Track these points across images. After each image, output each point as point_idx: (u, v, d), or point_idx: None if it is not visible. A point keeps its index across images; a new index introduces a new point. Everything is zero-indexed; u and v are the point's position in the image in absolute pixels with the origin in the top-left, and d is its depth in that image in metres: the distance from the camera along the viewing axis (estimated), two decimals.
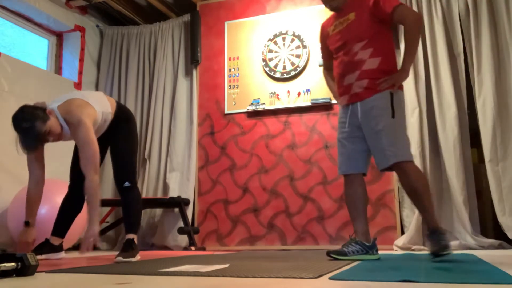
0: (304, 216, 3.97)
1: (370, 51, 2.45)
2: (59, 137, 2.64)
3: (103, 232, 4.32)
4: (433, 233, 2.32)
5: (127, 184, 2.82)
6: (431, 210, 2.39)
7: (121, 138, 2.87)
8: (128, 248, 2.70)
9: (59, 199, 3.53)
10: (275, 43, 4.30)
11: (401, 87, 2.51)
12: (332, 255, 2.38)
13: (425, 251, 3.34)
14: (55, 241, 2.86)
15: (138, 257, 2.71)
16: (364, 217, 2.52)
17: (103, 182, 4.67)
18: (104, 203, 4.44)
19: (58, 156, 4.30)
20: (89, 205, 2.57)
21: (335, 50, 2.59)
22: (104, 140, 2.88)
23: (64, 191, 3.66)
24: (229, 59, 4.46)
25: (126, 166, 2.88)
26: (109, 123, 2.83)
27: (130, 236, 2.78)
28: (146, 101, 4.75)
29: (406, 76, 2.46)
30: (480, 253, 2.83)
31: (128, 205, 2.84)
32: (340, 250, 2.40)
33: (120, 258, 2.58)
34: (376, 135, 2.39)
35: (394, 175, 3.76)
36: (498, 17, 3.64)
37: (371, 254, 2.42)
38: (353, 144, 2.50)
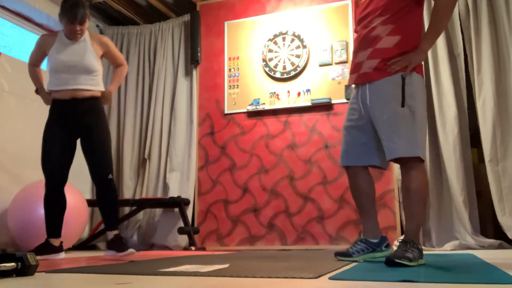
0: (304, 216, 3.97)
1: (391, 28, 2.13)
2: (82, 32, 2.88)
3: (103, 232, 4.31)
4: (405, 242, 2.05)
5: (110, 176, 2.82)
6: (418, 221, 2.13)
7: (99, 128, 2.88)
8: (123, 244, 2.75)
9: None
10: (275, 43, 4.30)
11: (419, 71, 2.17)
12: (338, 257, 2.30)
13: (425, 251, 3.34)
14: (54, 242, 2.86)
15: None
16: (369, 213, 2.32)
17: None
18: None
19: None
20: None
21: (358, 22, 2.30)
22: (75, 134, 2.91)
23: (65, 190, 3.66)
24: (229, 59, 4.46)
25: (109, 158, 2.88)
26: (86, 110, 2.88)
27: (117, 232, 2.82)
28: (146, 101, 4.75)
29: (422, 57, 2.12)
30: (480, 253, 2.83)
31: (114, 199, 2.85)
32: (345, 251, 2.31)
33: (121, 253, 2.66)
34: (382, 124, 2.14)
35: (394, 175, 3.76)
36: (498, 17, 3.64)
37: (379, 251, 2.26)
38: (354, 134, 2.28)
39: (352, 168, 2.33)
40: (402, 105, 2.11)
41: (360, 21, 2.27)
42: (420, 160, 2.14)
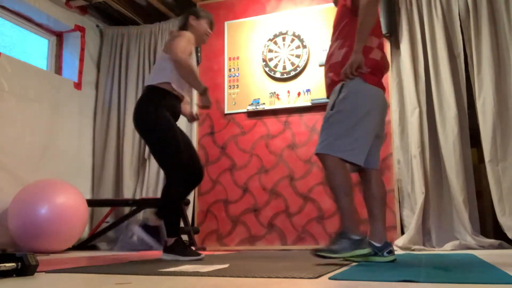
0: (304, 216, 3.97)
1: (339, 43, 2.33)
2: None
3: (103, 232, 4.32)
4: (336, 234, 2.17)
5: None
6: (346, 213, 2.17)
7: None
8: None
9: (59, 199, 3.55)
10: (275, 43, 4.30)
11: (369, 80, 2.25)
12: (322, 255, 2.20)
13: (425, 251, 3.35)
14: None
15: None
16: (371, 216, 2.33)
17: (103, 182, 4.67)
18: (104, 203, 4.46)
19: (58, 156, 4.31)
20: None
21: None
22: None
23: (64, 191, 3.67)
24: (229, 59, 4.46)
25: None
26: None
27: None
28: None
29: (357, 57, 2.18)
30: (480, 253, 2.83)
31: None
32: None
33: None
34: None
35: (394, 175, 3.76)
36: (498, 17, 3.64)
37: (380, 256, 2.23)
38: None
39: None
40: (331, 109, 2.24)
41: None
42: (335, 158, 2.20)
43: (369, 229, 2.34)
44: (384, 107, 2.36)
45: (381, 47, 2.37)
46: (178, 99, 2.82)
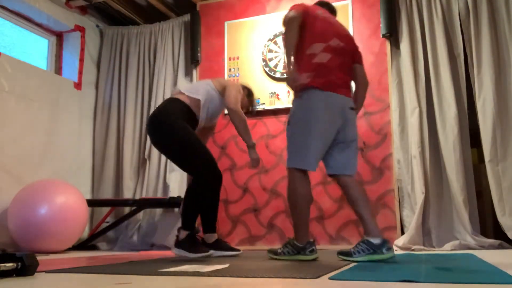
0: None
1: (294, 61, 2.51)
2: None
3: (103, 232, 4.32)
4: (288, 240, 2.50)
5: None
6: (295, 223, 2.47)
7: None
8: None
9: (59, 199, 3.55)
10: (275, 43, 4.30)
11: (315, 83, 2.46)
12: (339, 256, 2.38)
13: (425, 251, 3.35)
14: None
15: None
16: (360, 218, 2.45)
17: (103, 182, 4.67)
18: (104, 203, 4.46)
19: (58, 156, 4.31)
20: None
21: None
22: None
23: (64, 191, 3.68)
24: (229, 59, 4.46)
25: None
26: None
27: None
28: (146, 101, 4.75)
29: (288, 74, 2.45)
30: (480, 253, 2.83)
31: None
32: (347, 251, 2.37)
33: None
34: None
35: (394, 175, 3.76)
36: (498, 17, 3.64)
37: (379, 254, 2.27)
38: None
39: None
40: (288, 123, 2.54)
41: None
42: (294, 170, 2.47)
43: (364, 230, 2.44)
44: (334, 107, 2.48)
45: (329, 50, 2.51)
46: (196, 121, 2.98)
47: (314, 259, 2.42)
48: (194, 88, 2.99)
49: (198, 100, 2.92)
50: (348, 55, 2.62)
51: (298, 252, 2.43)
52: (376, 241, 2.30)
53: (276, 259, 2.49)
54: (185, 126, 2.78)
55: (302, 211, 2.47)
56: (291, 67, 2.44)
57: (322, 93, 2.44)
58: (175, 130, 2.75)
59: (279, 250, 2.50)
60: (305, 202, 2.47)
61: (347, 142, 2.54)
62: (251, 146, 2.96)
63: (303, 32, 2.51)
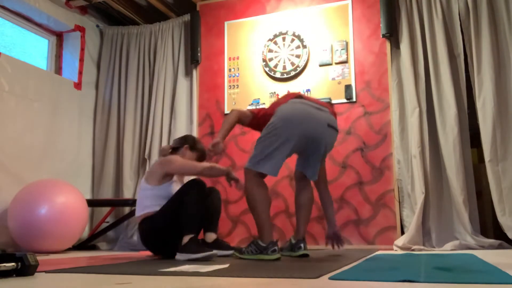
0: None
1: None
2: None
3: (103, 232, 4.32)
4: (252, 240, 2.66)
5: None
6: (260, 228, 2.59)
7: None
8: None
9: (59, 199, 3.55)
10: (275, 43, 4.30)
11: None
12: (234, 253, 2.75)
13: (425, 251, 3.35)
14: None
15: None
16: (297, 219, 2.89)
17: (103, 182, 4.67)
18: (104, 203, 4.46)
19: (58, 156, 4.31)
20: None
21: None
22: None
23: (64, 191, 3.67)
24: (229, 59, 4.46)
25: None
26: None
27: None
28: (146, 101, 4.75)
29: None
30: (480, 253, 2.83)
31: None
32: (239, 249, 2.71)
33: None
34: None
35: (394, 175, 3.76)
36: (498, 17, 3.64)
37: (264, 254, 2.52)
38: None
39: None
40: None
41: None
42: (249, 171, 2.65)
43: (295, 230, 2.85)
44: (288, 118, 2.66)
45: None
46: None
47: (276, 259, 2.47)
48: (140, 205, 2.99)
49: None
50: None
51: (260, 252, 2.51)
52: (293, 241, 2.68)
53: (240, 258, 2.60)
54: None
55: (264, 210, 2.61)
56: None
57: (282, 108, 2.77)
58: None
59: (243, 249, 2.61)
60: (264, 201, 2.65)
61: (310, 153, 2.80)
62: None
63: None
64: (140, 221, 2.94)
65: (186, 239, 2.68)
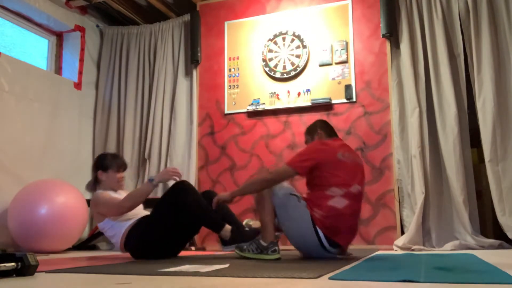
0: None
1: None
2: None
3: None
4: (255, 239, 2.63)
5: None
6: (264, 226, 2.57)
7: None
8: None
9: (59, 199, 3.55)
10: (275, 43, 4.30)
11: (315, 218, 2.52)
12: (235, 249, 2.67)
13: (425, 251, 3.35)
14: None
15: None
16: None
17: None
18: None
19: (58, 156, 4.31)
20: None
21: None
22: None
23: (64, 191, 3.67)
24: (229, 59, 4.46)
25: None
26: None
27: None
28: (146, 101, 4.75)
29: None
30: (480, 253, 2.83)
31: None
32: (241, 246, 2.64)
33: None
34: None
35: (394, 175, 3.76)
36: (498, 17, 3.64)
37: (265, 254, 2.50)
38: None
39: None
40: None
41: None
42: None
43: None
44: None
45: (349, 196, 2.50)
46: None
47: (276, 259, 2.48)
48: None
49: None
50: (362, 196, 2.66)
51: (261, 251, 2.52)
52: (264, 243, 2.53)
53: (241, 255, 2.60)
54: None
55: (270, 212, 2.54)
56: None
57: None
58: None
59: (245, 247, 2.60)
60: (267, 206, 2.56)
61: None
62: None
63: (321, 171, 2.54)
64: (129, 231, 2.76)
65: (226, 231, 2.68)
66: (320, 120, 2.87)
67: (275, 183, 2.53)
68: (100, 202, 2.79)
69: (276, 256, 2.49)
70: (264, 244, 2.53)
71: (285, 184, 2.58)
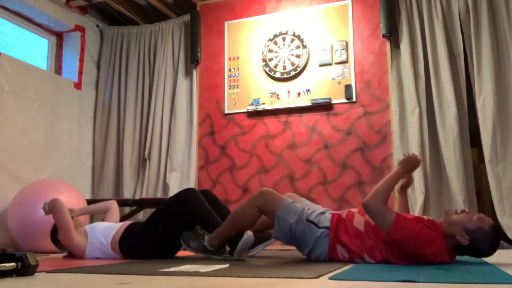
0: None
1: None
2: None
3: None
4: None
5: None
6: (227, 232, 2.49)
7: None
8: None
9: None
10: (275, 43, 4.30)
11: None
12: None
13: None
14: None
15: None
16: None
17: (103, 182, 4.68)
18: None
19: (58, 156, 4.31)
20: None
21: None
22: None
23: (64, 191, 3.67)
24: (229, 59, 4.46)
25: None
26: None
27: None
28: (146, 101, 4.75)
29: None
30: None
31: None
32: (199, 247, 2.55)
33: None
34: None
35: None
36: (498, 17, 3.64)
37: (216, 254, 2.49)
38: None
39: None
40: None
41: None
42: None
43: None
44: None
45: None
46: None
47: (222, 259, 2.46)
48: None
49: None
50: None
51: (209, 253, 2.50)
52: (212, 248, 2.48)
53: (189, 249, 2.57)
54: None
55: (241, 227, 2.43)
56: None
57: None
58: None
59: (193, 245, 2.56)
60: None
61: None
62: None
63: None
64: (123, 232, 2.74)
65: (250, 238, 2.54)
66: None
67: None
68: (63, 238, 2.83)
69: (223, 256, 2.48)
70: (211, 249, 2.48)
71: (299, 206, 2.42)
